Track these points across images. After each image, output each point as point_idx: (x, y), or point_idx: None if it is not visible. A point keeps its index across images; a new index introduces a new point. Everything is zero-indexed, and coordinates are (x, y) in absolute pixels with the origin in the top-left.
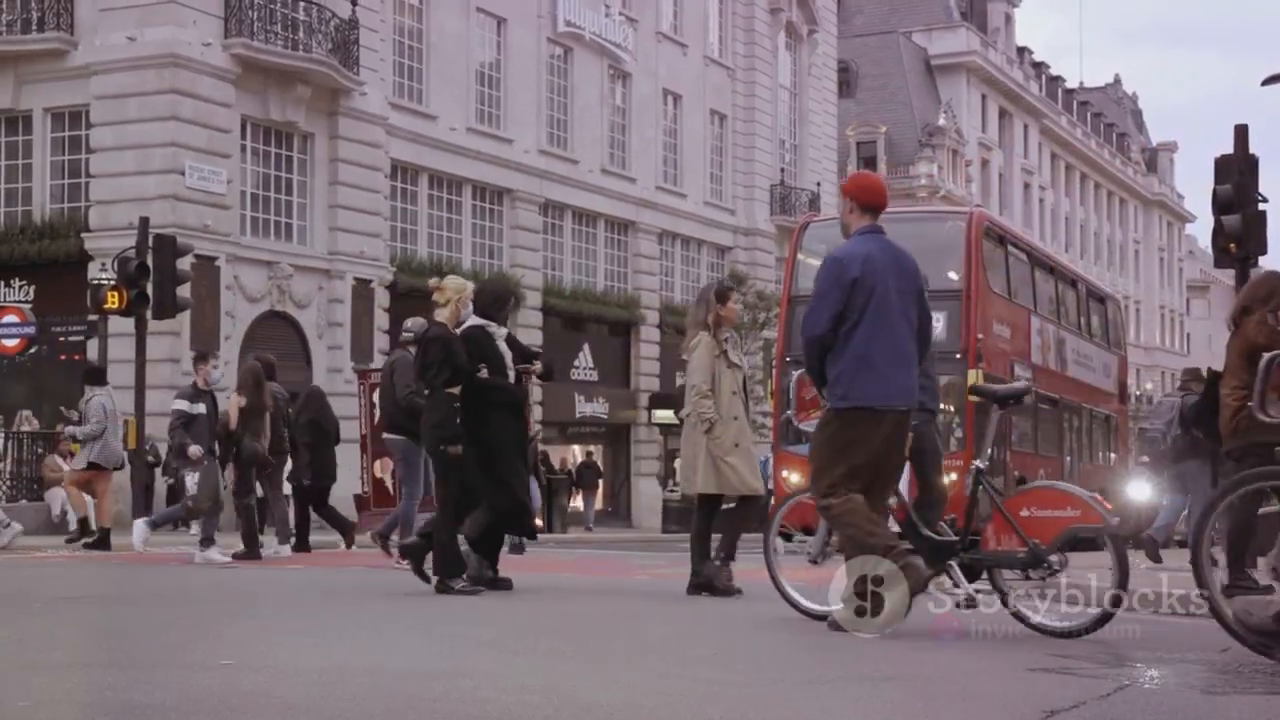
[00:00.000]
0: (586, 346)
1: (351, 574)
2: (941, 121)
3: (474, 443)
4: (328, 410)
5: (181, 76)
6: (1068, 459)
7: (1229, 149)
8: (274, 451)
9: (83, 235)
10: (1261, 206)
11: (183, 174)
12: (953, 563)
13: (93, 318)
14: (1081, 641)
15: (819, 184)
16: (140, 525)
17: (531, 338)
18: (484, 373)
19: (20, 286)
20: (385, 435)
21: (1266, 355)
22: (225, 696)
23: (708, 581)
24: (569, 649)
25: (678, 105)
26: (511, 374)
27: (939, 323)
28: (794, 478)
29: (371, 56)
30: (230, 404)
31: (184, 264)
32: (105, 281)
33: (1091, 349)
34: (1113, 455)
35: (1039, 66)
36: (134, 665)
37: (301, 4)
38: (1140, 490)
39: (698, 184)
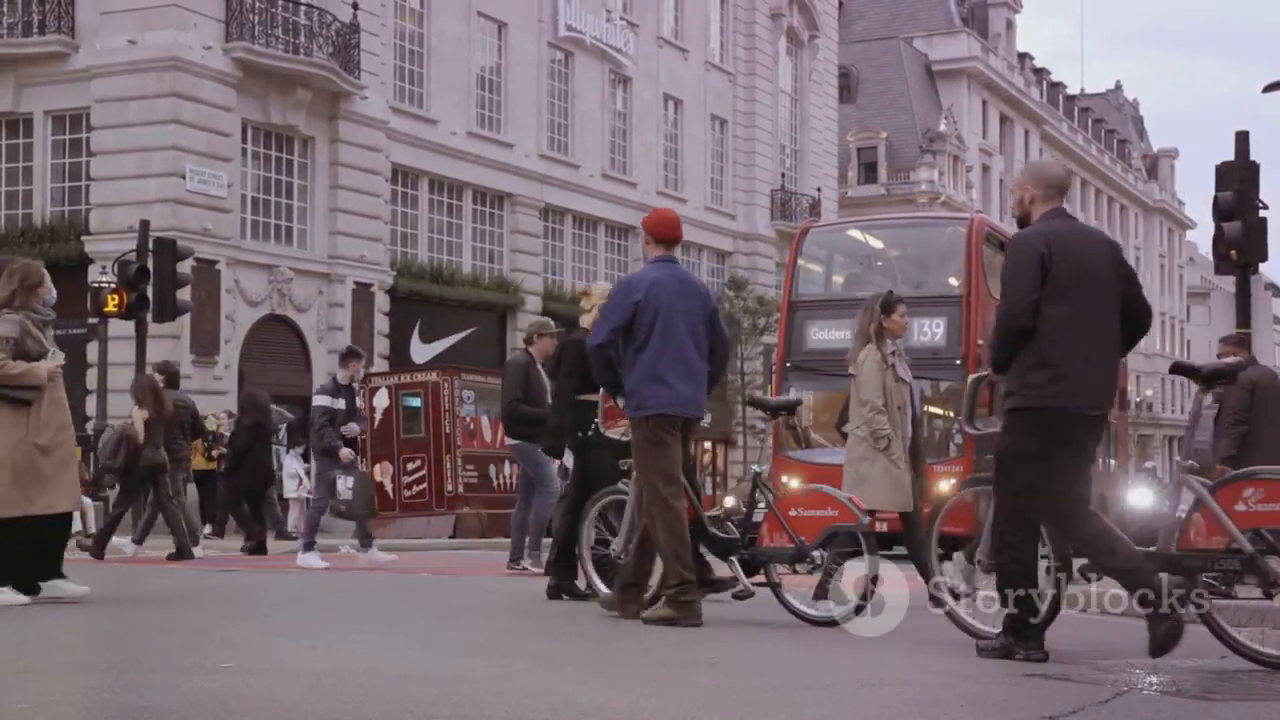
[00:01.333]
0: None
1: (350, 578)
2: (942, 127)
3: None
4: (269, 414)
5: (182, 80)
6: None
7: (1229, 155)
8: (171, 459)
9: (83, 238)
10: (1262, 213)
11: (183, 177)
12: (733, 558)
13: (93, 320)
14: (1082, 648)
15: (819, 189)
16: (308, 556)
17: None
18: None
19: None
20: (507, 441)
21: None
22: (224, 699)
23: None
24: (569, 654)
25: (678, 110)
26: None
27: (939, 329)
28: (794, 483)
29: (372, 60)
30: (134, 417)
31: (184, 267)
32: (106, 284)
33: None
34: (1112, 462)
35: (1040, 72)
36: (133, 668)
37: (302, 8)
38: (1142, 497)
39: (698, 189)
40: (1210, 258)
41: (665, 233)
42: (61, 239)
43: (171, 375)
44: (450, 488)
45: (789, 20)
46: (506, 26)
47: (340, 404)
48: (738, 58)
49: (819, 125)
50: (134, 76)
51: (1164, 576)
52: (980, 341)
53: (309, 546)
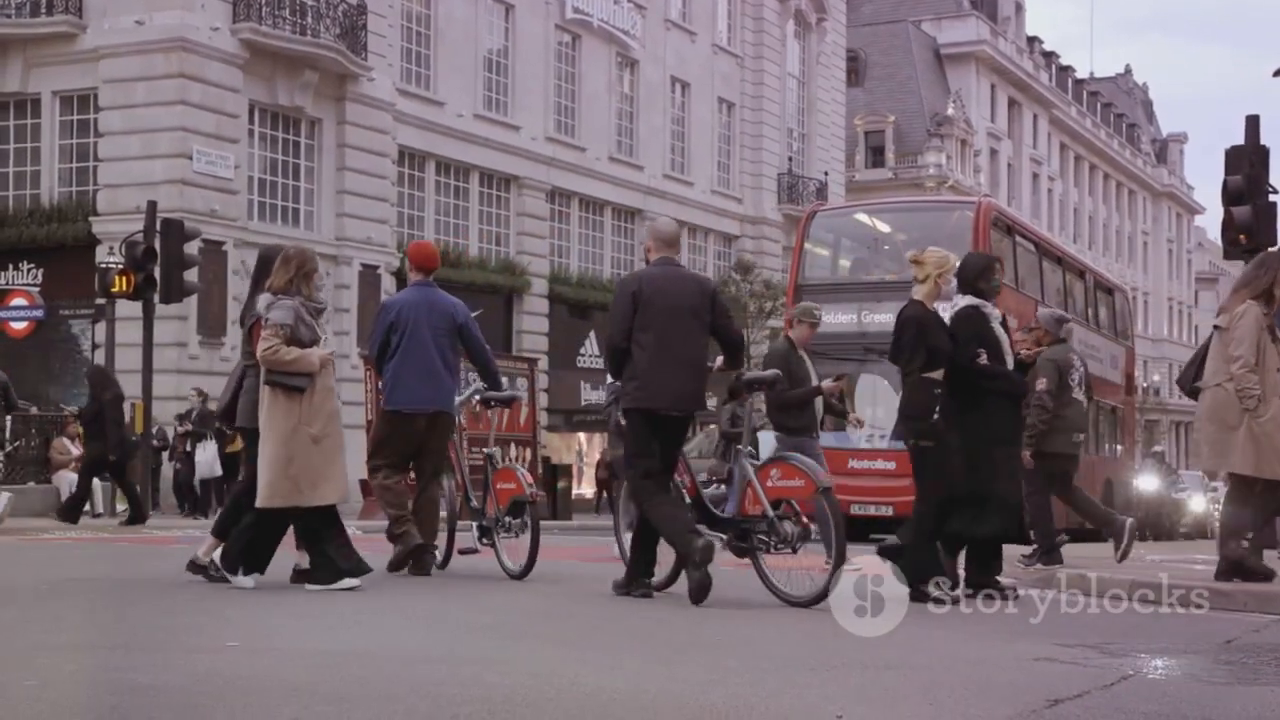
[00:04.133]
0: (592, 334)
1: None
2: (950, 111)
3: (966, 437)
4: (119, 386)
5: (189, 61)
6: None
7: (1239, 139)
8: None
9: (90, 219)
10: (1272, 198)
11: (190, 158)
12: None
13: (100, 301)
14: (1089, 633)
15: (826, 173)
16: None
17: (538, 325)
18: (983, 358)
19: (28, 270)
20: (763, 434)
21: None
22: (230, 678)
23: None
24: (572, 635)
25: (686, 93)
26: (1010, 359)
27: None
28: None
29: (380, 42)
30: None
31: (191, 248)
32: (113, 265)
33: (1099, 340)
34: (1119, 447)
35: (1049, 56)
36: (139, 647)
37: None
38: (1149, 482)
39: (705, 172)
40: (1219, 242)
41: (423, 262)
42: (69, 220)
43: None
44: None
45: (797, 3)
46: (514, 9)
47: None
48: (745, 40)
49: (826, 108)
50: (141, 57)
51: (701, 541)
52: None
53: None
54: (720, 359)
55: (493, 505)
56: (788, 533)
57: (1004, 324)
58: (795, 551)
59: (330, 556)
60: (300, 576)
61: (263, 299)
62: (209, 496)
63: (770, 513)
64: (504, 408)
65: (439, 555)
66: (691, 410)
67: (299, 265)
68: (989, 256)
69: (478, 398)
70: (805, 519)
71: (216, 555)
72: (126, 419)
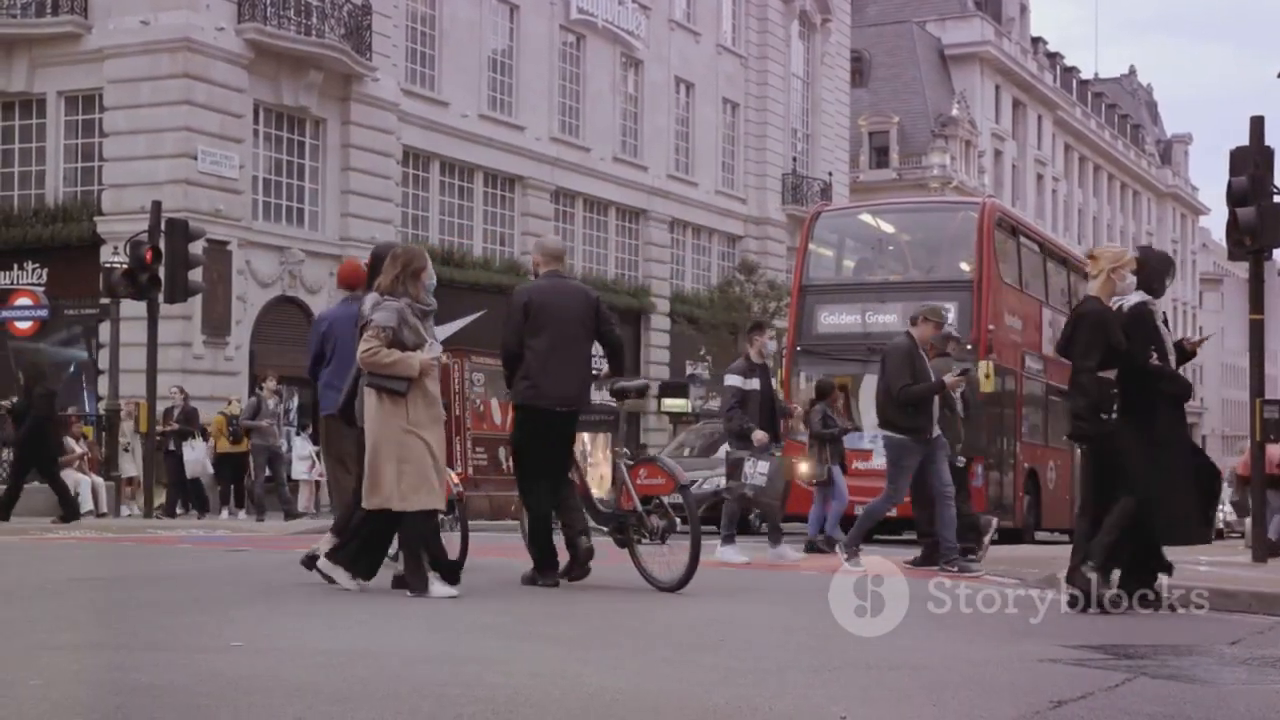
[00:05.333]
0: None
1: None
2: (955, 112)
3: (1138, 439)
4: (54, 381)
5: (194, 61)
6: (1078, 451)
7: (1242, 140)
8: None
9: (95, 219)
10: (1277, 199)
11: (195, 158)
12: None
13: (105, 301)
14: (1092, 634)
15: (831, 173)
16: (727, 550)
17: None
18: (1155, 358)
19: (33, 269)
20: (880, 433)
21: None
22: (233, 678)
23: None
24: (575, 635)
25: (690, 93)
26: (1173, 359)
27: (949, 313)
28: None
29: (384, 42)
30: None
31: (196, 248)
32: (117, 265)
33: None
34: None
35: (1053, 57)
36: (143, 646)
37: None
38: None
39: (709, 173)
40: (1224, 244)
41: (352, 280)
42: (74, 219)
43: None
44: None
45: (801, 3)
46: (518, 9)
47: (754, 383)
48: (750, 41)
49: (831, 109)
50: (146, 57)
51: (586, 543)
52: (991, 327)
53: (729, 539)
54: (607, 364)
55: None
56: (655, 526)
57: (1165, 321)
58: (663, 542)
59: (427, 565)
60: (399, 583)
61: (369, 299)
62: (202, 494)
63: (639, 508)
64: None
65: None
66: (577, 408)
67: (405, 264)
68: (1169, 256)
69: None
70: (672, 513)
71: (320, 548)
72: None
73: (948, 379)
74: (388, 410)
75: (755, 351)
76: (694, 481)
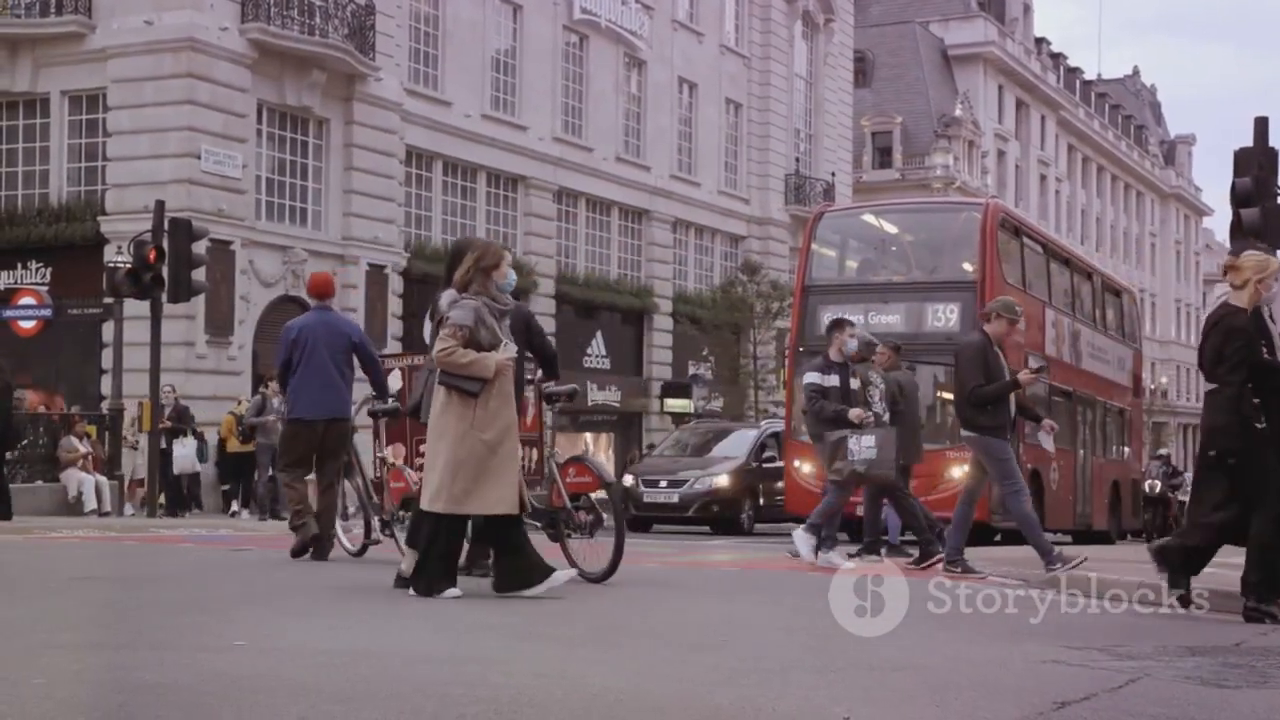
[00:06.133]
0: (599, 334)
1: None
2: (958, 112)
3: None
4: (10, 376)
5: (198, 61)
6: (1081, 452)
7: (1244, 140)
8: None
9: (99, 218)
10: None
11: (198, 158)
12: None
13: (108, 300)
14: (1094, 635)
15: (834, 174)
16: (830, 555)
17: (544, 325)
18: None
19: (37, 269)
20: (962, 433)
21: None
22: (236, 677)
23: None
24: (578, 635)
25: (693, 94)
26: None
27: (953, 314)
28: (805, 467)
29: (387, 42)
30: None
31: (199, 248)
32: (121, 264)
33: (1106, 342)
34: (1126, 449)
35: (1057, 57)
36: (145, 646)
37: None
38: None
39: (712, 173)
40: (1227, 244)
41: (321, 290)
42: (77, 219)
43: None
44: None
45: (804, 4)
46: (521, 9)
47: (833, 380)
48: (753, 41)
49: (834, 109)
50: (150, 57)
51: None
52: None
53: (830, 542)
54: (540, 371)
55: (388, 501)
56: (582, 521)
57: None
58: (592, 536)
59: (511, 566)
60: (403, 582)
61: (445, 296)
62: (189, 492)
63: (568, 504)
64: (389, 417)
65: (361, 544)
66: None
67: (477, 259)
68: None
69: (367, 409)
70: (599, 509)
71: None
72: (13, 410)
73: (1022, 375)
74: (455, 410)
75: (835, 350)
76: (686, 481)
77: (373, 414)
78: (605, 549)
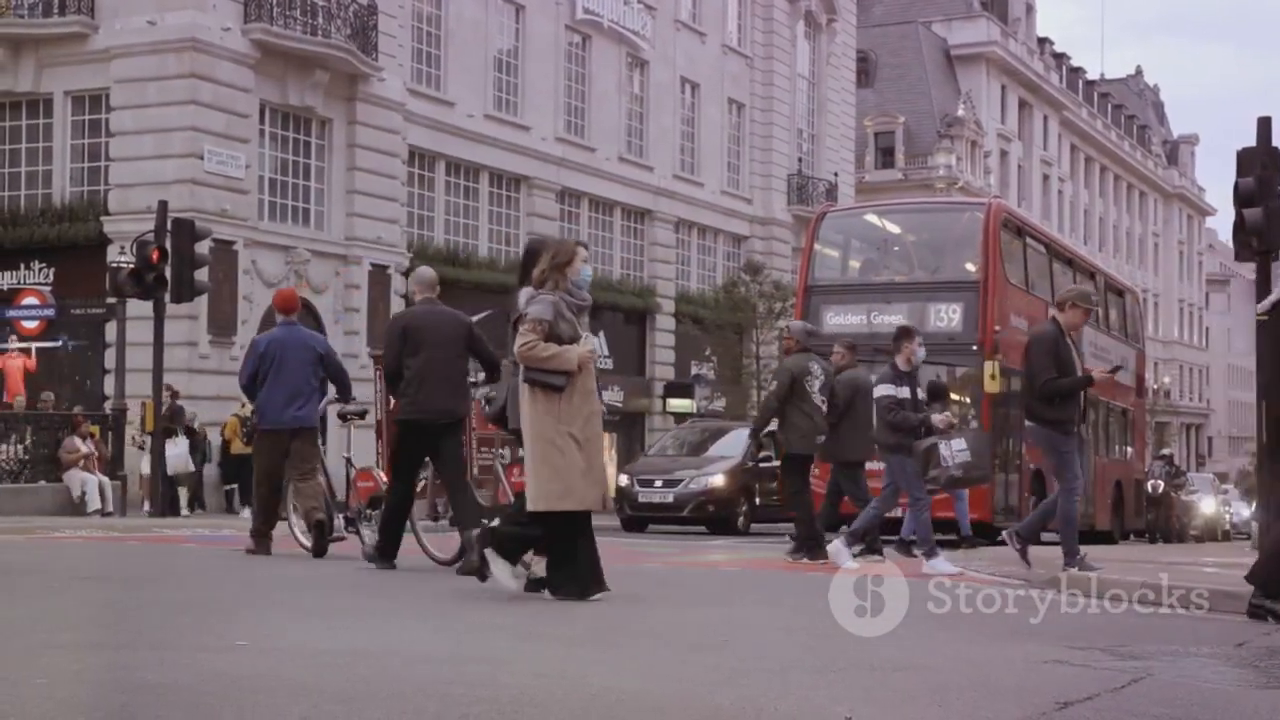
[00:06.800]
0: (601, 334)
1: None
2: (960, 112)
3: None
4: None
5: (201, 61)
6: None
7: (1245, 140)
8: None
9: (102, 219)
10: None
11: (201, 158)
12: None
13: (111, 300)
14: (1096, 635)
15: (836, 174)
16: (937, 562)
17: None
18: None
19: (40, 269)
20: (1027, 423)
21: None
22: (237, 677)
23: None
24: (578, 635)
25: (695, 94)
26: None
27: (955, 314)
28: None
29: (390, 42)
30: None
31: (202, 248)
32: (124, 265)
33: (1109, 342)
34: (1129, 450)
35: (1060, 58)
36: (146, 645)
37: None
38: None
39: (715, 173)
40: (1230, 244)
41: (287, 305)
42: (81, 219)
43: None
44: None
45: (807, 4)
46: (524, 9)
47: (905, 392)
48: (755, 41)
49: (836, 109)
50: (153, 57)
51: (476, 531)
52: (997, 327)
53: (933, 551)
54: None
55: (355, 499)
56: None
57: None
58: None
59: (581, 568)
60: (536, 585)
61: (524, 293)
62: (194, 494)
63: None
64: (358, 418)
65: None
66: (453, 420)
67: (550, 257)
68: None
69: (336, 411)
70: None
71: (539, 567)
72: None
73: (1096, 373)
74: (543, 408)
75: (904, 359)
76: (681, 480)
77: (341, 416)
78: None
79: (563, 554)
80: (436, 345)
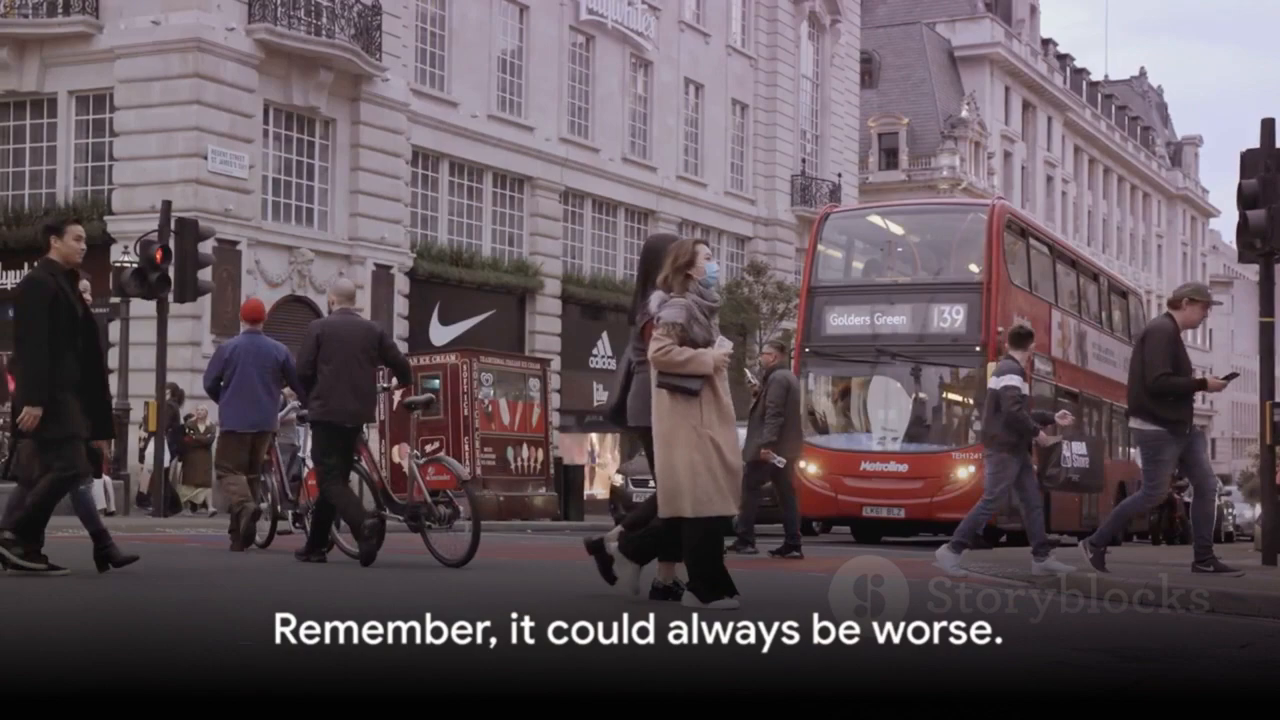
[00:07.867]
0: (605, 335)
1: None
2: (964, 113)
3: None
4: None
5: (205, 61)
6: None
7: (1248, 141)
8: None
9: (106, 218)
10: None
11: (205, 158)
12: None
13: (115, 300)
14: (1097, 635)
15: (840, 175)
16: (1049, 562)
17: (550, 326)
18: None
19: None
20: (1131, 423)
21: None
22: (243, 676)
23: None
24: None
25: (699, 94)
26: None
27: (959, 315)
28: (811, 468)
29: (394, 42)
30: None
31: (205, 248)
32: (128, 264)
33: (1113, 343)
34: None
35: (1064, 59)
36: (153, 644)
37: None
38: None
39: (718, 174)
40: (1234, 246)
41: (253, 315)
42: (84, 219)
43: None
44: (468, 470)
45: (811, 4)
46: (528, 10)
47: (1026, 388)
48: (759, 42)
49: (840, 110)
50: (157, 57)
51: (370, 520)
52: (1000, 328)
53: (1043, 552)
54: (395, 379)
55: (304, 497)
56: (441, 515)
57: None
58: (452, 528)
59: (714, 572)
60: (663, 592)
61: (655, 297)
62: (176, 493)
63: (428, 499)
64: (423, 408)
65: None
66: (361, 423)
67: (672, 259)
68: None
69: (294, 415)
70: (456, 505)
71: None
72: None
73: (1212, 380)
74: (681, 412)
75: (1025, 358)
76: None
77: (408, 405)
78: (463, 541)
79: (708, 558)
80: (349, 353)
